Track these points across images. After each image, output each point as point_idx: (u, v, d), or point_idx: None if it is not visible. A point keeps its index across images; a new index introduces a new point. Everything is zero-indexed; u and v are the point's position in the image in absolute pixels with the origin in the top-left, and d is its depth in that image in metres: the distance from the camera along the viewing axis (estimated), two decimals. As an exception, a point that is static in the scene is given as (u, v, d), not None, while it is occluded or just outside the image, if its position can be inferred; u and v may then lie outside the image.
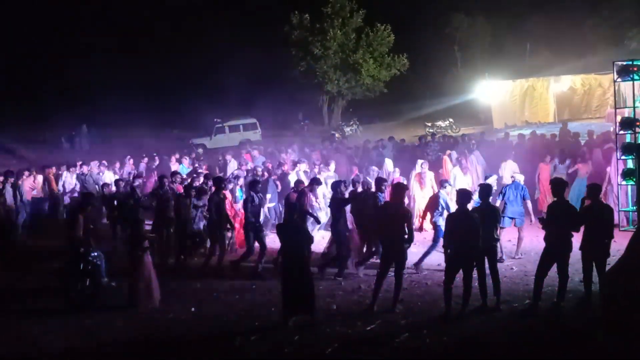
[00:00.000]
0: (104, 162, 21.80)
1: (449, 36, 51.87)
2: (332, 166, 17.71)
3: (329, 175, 16.75)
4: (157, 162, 22.26)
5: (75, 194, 19.24)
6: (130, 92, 43.72)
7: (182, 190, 14.83)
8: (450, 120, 37.37)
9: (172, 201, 14.32)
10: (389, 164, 18.39)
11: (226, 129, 38.17)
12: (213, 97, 42.11)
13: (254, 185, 13.50)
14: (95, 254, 11.54)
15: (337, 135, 35.42)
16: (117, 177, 19.86)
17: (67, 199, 19.52)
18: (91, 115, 39.25)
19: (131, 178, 17.64)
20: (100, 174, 20.26)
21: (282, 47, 46.07)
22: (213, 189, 13.82)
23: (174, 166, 21.43)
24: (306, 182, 14.80)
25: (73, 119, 38.30)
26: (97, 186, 18.47)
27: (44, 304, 11.47)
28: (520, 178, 13.65)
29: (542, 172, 16.46)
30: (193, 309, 10.81)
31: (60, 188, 19.66)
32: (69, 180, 19.79)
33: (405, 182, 14.74)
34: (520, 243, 13.31)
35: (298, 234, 9.88)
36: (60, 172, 20.35)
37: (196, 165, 21.03)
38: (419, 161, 17.16)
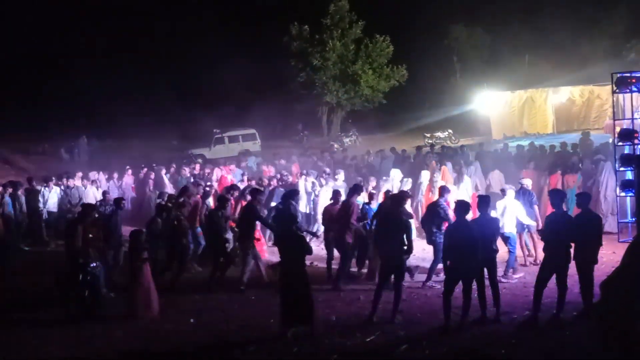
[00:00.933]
0: (94, 173, 21.74)
1: (448, 47, 52.00)
2: (341, 176, 17.67)
3: (336, 185, 16.71)
4: (153, 174, 22.16)
5: (54, 209, 18.63)
6: (129, 102, 43.76)
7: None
8: (450, 131, 37.44)
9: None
10: (396, 174, 18.09)
11: (225, 140, 38.19)
12: (212, 107, 42.17)
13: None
14: (94, 264, 11.53)
15: (336, 146, 35.51)
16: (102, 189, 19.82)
17: (45, 215, 18.55)
18: (90, 126, 39.24)
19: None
20: (83, 187, 19.57)
21: (281, 58, 46.21)
22: (249, 198, 13.68)
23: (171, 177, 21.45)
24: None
25: (72, 129, 38.33)
26: (83, 201, 17.50)
27: (43, 315, 11.46)
28: (528, 183, 13.68)
29: (553, 184, 16.22)
30: (192, 320, 10.80)
31: (41, 205, 18.49)
32: (47, 195, 18.66)
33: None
34: (537, 248, 13.26)
35: (297, 244, 9.88)
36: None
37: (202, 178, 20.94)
38: (425, 173, 17.15)
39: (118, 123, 38.70)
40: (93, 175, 21.61)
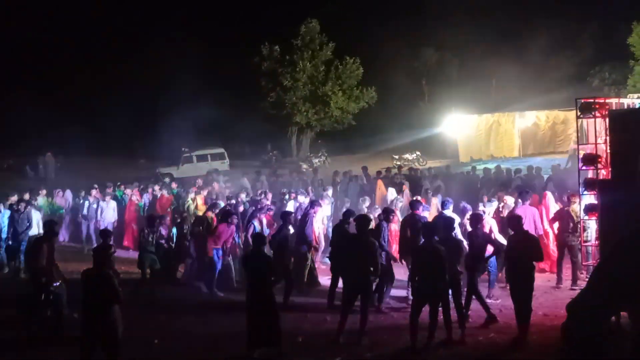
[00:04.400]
0: (59, 191, 21.34)
1: (417, 70, 52.61)
2: (330, 192, 17.71)
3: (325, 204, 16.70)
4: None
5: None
6: (97, 120, 43.42)
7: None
8: (418, 153, 37.74)
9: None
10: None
11: (194, 159, 38.03)
12: (181, 126, 41.97)
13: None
14: (57, 284, 11.32)
15: (304, 166, 35.54)
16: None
17: None
18: (57, 143, 38.76)
19: None
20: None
21: (252, 78, 46.29)
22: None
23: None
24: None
25: (38, 146, 37.85)
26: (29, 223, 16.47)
27: (3, 335, 11.20)
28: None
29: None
30: (156, 341, 10.65)
31: None
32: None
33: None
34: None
35: (264, 265, 9.83)
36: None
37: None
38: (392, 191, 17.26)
39: (85, 140, 38.29)
40: (58, 193, 21.31)
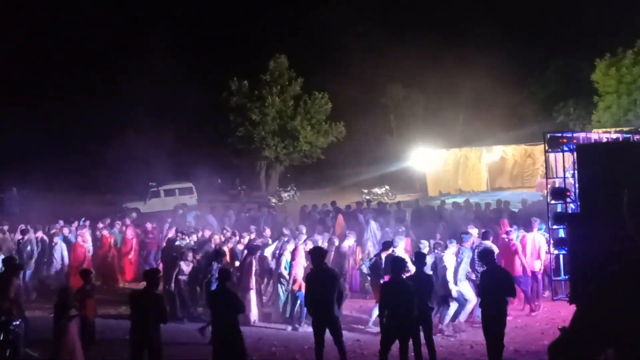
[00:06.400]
0: (22, 226, 20.61)
1: (385, 105, 53.03)
2: (304, 230, 17.47)
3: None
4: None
5: None
6: (63, 154, 42.89)
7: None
8: (387, 187, 37.78)
9: None
10: (374, 227, 18.10)
11: (161, 193, 37.61)
12: (149, 161, 41.64)
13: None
14: (17, 322, 10.94)
15: (273, 200, 35.36)
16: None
17: None
18: (22, 177, 38.10)
19: None
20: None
21: (220, 113, 46.24)
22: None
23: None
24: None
25: (2, 180, 37.19)
26: None
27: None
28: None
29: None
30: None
31: None
32: None
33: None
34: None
35: (230, 302, 9.59)
36: None
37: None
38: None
39: (50, 175, 37.75)
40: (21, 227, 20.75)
